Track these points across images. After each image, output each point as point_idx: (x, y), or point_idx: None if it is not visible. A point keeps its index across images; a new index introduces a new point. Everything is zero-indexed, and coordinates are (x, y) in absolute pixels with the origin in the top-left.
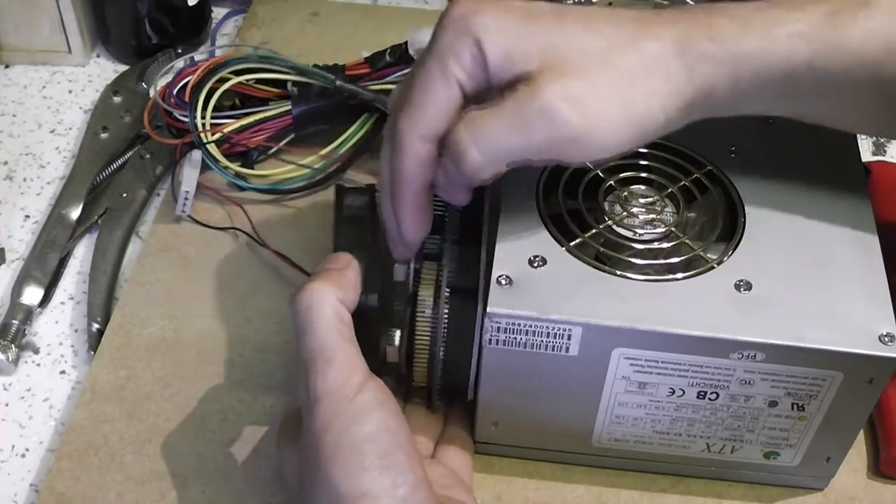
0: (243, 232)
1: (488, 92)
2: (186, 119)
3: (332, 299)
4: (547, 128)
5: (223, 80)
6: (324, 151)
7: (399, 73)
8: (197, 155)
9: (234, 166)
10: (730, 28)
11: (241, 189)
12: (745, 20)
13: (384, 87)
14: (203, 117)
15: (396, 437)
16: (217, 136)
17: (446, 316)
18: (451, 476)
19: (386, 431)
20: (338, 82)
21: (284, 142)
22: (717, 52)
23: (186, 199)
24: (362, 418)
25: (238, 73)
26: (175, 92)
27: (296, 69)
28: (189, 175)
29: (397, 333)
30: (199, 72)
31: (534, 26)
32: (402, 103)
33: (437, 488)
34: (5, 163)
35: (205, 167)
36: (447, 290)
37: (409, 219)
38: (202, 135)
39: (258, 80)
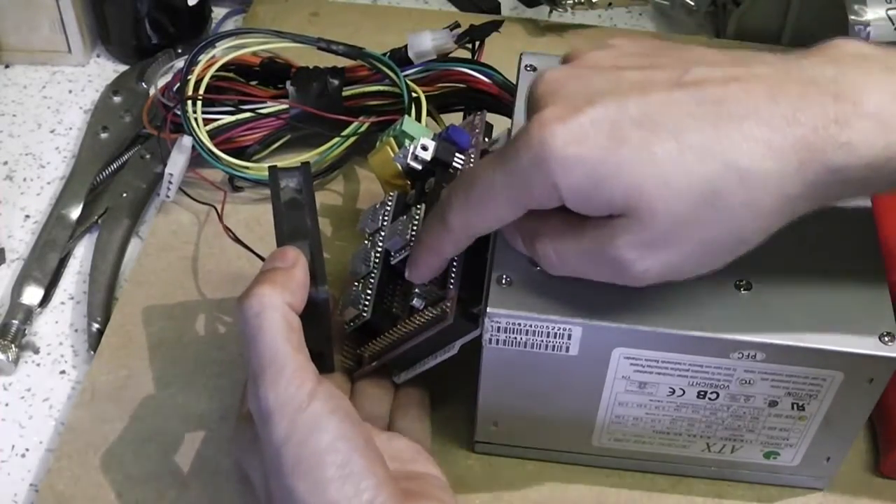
0: (234, 236)
1: None
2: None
3: (280, 304)
4: (617, 274)
5: (221, 78)
6: (315, 151)
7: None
8: (187, 141)
9: (230, 158)
10: (868, 129)
11: (236, 189)
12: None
13: (382, 88)
14: (195, 112)
15: (353, 443)
16: (210, 126)
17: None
18: (412, 449)
19: (342, 439)
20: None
21: (280, 142)
22: (850, 163)
23: (171, 182)
24: (318, 429)
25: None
26: (175, 91)
27: (278, 36)
28: (175, 159)
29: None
30: (197, 70)
31: (619, 157)
32: (462, 192)
33: (399, 464)
34: (5, 163)
35: (202, 162)
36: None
37: (426, 273)
38: (197, 131)
39: (256, 80)
